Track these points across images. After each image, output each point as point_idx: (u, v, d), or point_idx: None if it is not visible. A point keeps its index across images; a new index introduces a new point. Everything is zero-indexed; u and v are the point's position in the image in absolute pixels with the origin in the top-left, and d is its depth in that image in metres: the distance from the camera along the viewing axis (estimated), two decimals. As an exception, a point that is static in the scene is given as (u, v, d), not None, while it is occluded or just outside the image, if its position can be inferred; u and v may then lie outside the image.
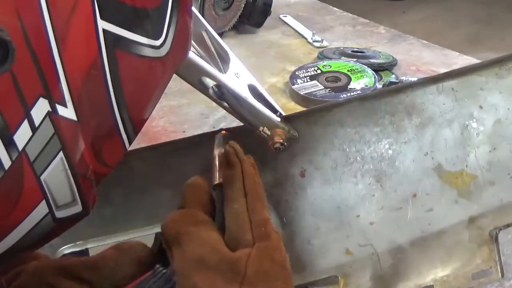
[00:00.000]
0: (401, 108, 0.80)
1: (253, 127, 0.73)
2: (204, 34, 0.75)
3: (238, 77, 0.74)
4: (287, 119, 0.76)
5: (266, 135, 0.74)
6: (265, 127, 0.74)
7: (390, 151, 0.80)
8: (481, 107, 0.81)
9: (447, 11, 3.57)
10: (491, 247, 0.79)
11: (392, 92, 0.80)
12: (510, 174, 0.81)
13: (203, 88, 0.70)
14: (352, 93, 1.19)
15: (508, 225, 0.80)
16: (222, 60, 0.74)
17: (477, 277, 0.79)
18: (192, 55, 0.68)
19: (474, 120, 0.81)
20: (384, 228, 0.80)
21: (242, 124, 0.75)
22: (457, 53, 1.39)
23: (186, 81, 0.68)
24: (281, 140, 0.74)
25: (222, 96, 0.71)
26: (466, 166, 0.81)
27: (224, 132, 0.73)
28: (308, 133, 0.78)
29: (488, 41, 3.20)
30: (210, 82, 0.70)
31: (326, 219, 0.80)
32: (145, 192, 0.79)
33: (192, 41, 0.68)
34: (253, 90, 0.75)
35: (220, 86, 0.70)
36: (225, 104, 0.71)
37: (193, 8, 0.78)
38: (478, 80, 0.80)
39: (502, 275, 0.79)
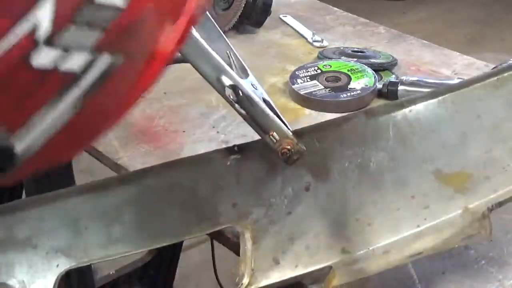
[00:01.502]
0: (405, 122, 0.83)
1: (263, 131, 0.76)
2: (229, 54, 0.81)
3: (255, 88, 0.78)
4: (296, 134, 0.78)
5: (275, 140, 0.76)
6: (274, 132, 0.75)
7: (392, 162, 0.82)
8: (479, 116, 0.83)
9: (447, 11, 3.56)
10: (482, 221, 0.81)
11: (396, 107, 0.84)
12: (505, 168, 0.83)
13: (219, 87, 0.73)
14: (352, 93, 1.19)
15: (500, 204, 0.82)
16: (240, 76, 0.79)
17: (465, 239, 0.81)
18: (214, 54, 0.72)
19: (472, 128, 0.83)
20: (381, 228, 0.82)
21: (247, 141, 0.80)
22: (457, 53, 1.39)
23: (205, 77, 0.72)
24: (289, 147, 0.76)
25: (237, 97, 0.74)
26: (463, 168, 0.83)
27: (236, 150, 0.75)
28: (315, 149, 0.81)
29: (488, 41, 3.20)
30: (227, 82, 0.73)
31: (326, 225, 0.81)
32: (153, 211, 0.80)
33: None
34: (267, 104, 0.77)
35: (236, 87, 0.73)
36: (238, 106, 0.74)
37: (219, 29, 0.83)
38: (477, 92, 0.84)
39: (490, 233, 0.81)
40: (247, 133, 1.00)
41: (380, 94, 1.21)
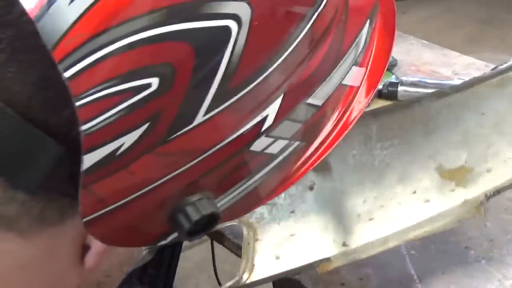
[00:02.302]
0: (409, 121, 0.84)
1: None
2: None
3: None
4: None
5: None
6: None
7: (395, 159, 0.82)
8: (483, 114, 0.84)
9: (447, 11, 3.56)
10: (479, 207, 0.83)
11: (401, 107, 0.85)
12: (506, 161, 0.85)
13: None
14: (352, 93, 1.19)
15: (498, 191, 0.83)
16: None
17: (462, 220, 0.83)
18: None
19: (476, 125, 0.84)
20: (382, 222, 0.82)
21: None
22: (457, 53, 1.39)
23: None
24: None
25: None
26: (465, 162, 0.83)
27: None
28: None
29: (488, 41, 3.20)
30: None
31: (328, 221, 0.81)
32: None
33: None
34: None
35: None
36: None
37: None
38: (481, 90, 0.85)
39: (484, 215, 0.84)
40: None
41: (380, 94, 1.21)
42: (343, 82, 0.50)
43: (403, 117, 0.83)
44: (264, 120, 0.44)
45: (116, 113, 0.38)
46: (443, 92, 0.85)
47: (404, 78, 1.23)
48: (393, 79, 1.25)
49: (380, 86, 1.21)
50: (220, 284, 1.32)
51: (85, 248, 0.44)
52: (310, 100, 0.47)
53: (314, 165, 0.51)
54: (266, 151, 0.46)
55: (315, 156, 0.51)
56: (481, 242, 0.90)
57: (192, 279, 1.95)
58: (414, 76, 1.26)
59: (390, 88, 1.20)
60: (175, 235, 0.44)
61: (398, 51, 1.39)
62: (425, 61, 1.37)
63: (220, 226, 0.82)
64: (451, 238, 0.91)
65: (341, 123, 0.52)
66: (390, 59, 1.34)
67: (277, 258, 0.81)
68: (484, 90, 0.85)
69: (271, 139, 0.45)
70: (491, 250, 0.89)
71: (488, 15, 3.52)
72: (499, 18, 3.44)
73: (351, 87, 0.52)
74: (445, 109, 0.84)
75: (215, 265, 1.24)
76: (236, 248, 0.90)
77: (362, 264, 0.86)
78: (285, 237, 0.81)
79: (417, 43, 1.45)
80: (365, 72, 0.54)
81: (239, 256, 0.92)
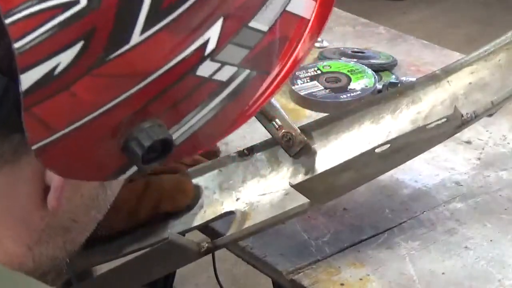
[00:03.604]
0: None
1: (266, 117, 0.80)
2: None
3: None
4: (302, 130, 0.83)
5: (277, 126, 0.77)
6: (277, 118, 0.80)
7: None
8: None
9: (447, 11, 3.56)
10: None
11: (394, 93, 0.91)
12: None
13: None
14: (352, 94, 1.19)
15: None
16: None
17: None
18: None
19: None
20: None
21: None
22: (458, 54, 1.39)
23: None
24: (291, 132, 0.79)
25: None
26: None
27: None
28: (321, 141, 0.86)
29: (488, 41, 3.20)
30: None
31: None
32: None
33: None
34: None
35: None
36: None
37: None
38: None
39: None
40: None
41: (380, 94, 1.21)
42: (291, 10, 0.51)
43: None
44: (206, 43, 0.44)
45: (47, 30, 0.39)
46: (435, 76, 0.92)
47: (404, 78, 1.23)
48: (393, 79, 1.25)
49: (379, 86, 1.21)
50: (220, 284, 1.32)
51: (47, 191, 0.45)
52: (253, 24, 0.47)
53: (269, 98, 0.52)
54: (214, 77, 0.46)
55: (270, 89, 0.51)
56: (481, 242, 0.90)
57: (192, 279, 1.95)
58: (414, 76, 1.26)
59: (390, 89, 1.20)
60: (134, 168, 0.45)
61: (398, 51, 1.39)
62: (425, 61, 1.36)
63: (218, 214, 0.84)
64: (451, 238, 0.91)
65: (294, 55, 0.53)
66: (390, 59, 1.34)
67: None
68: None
69: (218, 64, 0.46)
70: (491, 250, 0.89)
71: (488, 16, 3.52)
72: (499, 18, 3.44)
73: (302, 19, 0.53)
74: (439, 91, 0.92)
75: (215, 265, 1.24)
76: (236, 248, 0.90)
77: (362, 264, 0.87)
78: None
79: (417, 43, 1.45)
80: (315, 6, 0.54)
81: (239, 256, 0.92)
